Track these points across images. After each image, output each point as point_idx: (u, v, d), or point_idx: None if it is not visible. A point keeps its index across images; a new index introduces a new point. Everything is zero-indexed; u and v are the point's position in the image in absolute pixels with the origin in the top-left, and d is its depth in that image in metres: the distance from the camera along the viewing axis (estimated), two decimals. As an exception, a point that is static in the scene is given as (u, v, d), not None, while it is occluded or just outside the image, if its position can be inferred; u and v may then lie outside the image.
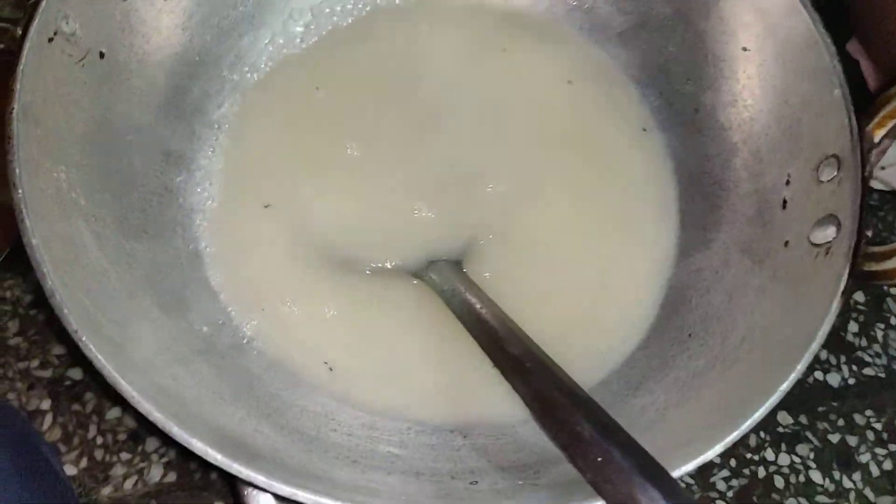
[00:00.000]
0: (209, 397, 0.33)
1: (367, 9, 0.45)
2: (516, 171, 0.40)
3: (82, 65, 0.36)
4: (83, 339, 0.29)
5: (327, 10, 0.45)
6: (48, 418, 0.39)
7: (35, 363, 0.39)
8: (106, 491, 0.38)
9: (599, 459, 0.24)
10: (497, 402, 0.35)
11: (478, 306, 0.33)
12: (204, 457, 0.28)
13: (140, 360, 0.31)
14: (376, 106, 0.42)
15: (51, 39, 0.34)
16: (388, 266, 0.39)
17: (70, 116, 0.35)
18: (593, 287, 0.38)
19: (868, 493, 0.38)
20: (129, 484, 0.38)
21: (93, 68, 0.36)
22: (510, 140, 0.41)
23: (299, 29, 0.45)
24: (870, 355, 0.42)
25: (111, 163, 0.37)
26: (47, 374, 0.39)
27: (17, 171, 0.31)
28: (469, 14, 0.45)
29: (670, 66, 0.44)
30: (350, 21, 0.45)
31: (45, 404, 0.39)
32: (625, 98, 0.45)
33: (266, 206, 0.41)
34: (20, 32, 0.34)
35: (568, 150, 0.42)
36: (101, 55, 0.37)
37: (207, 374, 0.34)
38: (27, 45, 0.33)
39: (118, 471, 0.38)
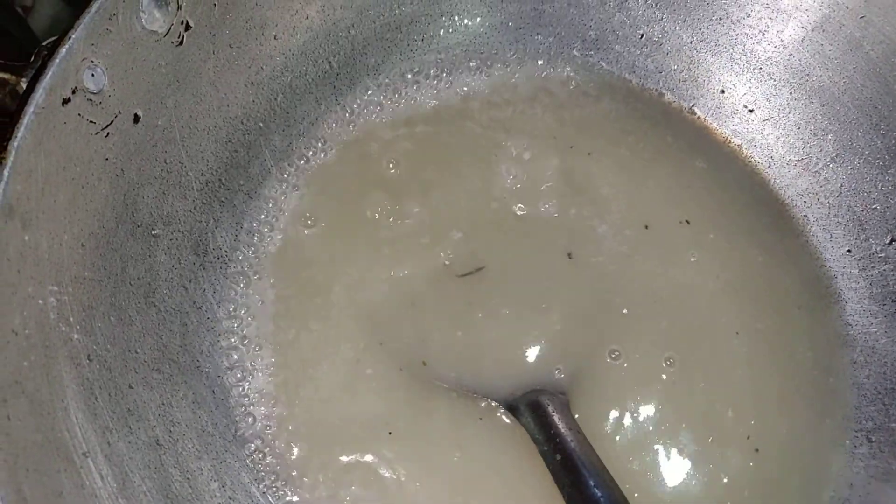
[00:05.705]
0: None
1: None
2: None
3: (105, 134, 0.26)
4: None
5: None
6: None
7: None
8: None
9: None
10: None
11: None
12: None
13: None
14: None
15: (66, 101, 0.24)
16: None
17: (77, 209, 0.25)
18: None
19: None
20: None
21: (121, 138, 0.26)
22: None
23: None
24: None
25: (126, 269, 0.27)
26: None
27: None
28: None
29: (870, 218, 0.34)
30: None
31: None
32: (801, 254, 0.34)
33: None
34: (24, 87, 0.24)
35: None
36: (136, 119, 0.27)
37: None
38: (31, 106, 0.23)
39: None
